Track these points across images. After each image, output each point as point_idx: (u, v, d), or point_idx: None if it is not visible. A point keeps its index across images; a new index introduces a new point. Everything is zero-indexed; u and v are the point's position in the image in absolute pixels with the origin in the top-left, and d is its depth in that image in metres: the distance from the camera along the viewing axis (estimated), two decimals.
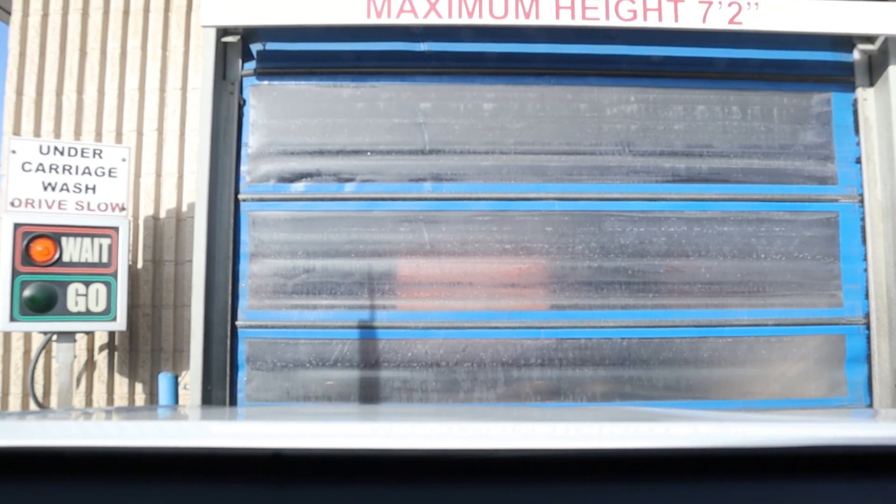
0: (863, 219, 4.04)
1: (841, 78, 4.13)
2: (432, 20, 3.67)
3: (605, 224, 3.90)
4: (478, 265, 3.86)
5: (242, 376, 3.78)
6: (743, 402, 3.88)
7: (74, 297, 3.50)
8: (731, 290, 3.93)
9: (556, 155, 3.94)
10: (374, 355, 3.78)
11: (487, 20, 3.67)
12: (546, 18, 3.67)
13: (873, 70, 4.13)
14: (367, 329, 3.78)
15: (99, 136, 4.23)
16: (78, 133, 4.25)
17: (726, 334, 3.90)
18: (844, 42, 4.07)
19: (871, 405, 3.95)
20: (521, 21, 3.67)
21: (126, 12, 4.39)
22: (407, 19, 3.68)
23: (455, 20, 3.67)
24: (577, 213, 3.89)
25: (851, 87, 4.14)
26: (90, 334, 3.99)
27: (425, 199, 3.88)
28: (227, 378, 3.74)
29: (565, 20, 3.67)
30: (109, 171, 3.66)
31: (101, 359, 4.03)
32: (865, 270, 4.02)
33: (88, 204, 3.61)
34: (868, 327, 3.99)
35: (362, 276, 3.84)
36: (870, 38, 4.02)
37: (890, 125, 3.99)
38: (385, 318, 3.79)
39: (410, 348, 3.78)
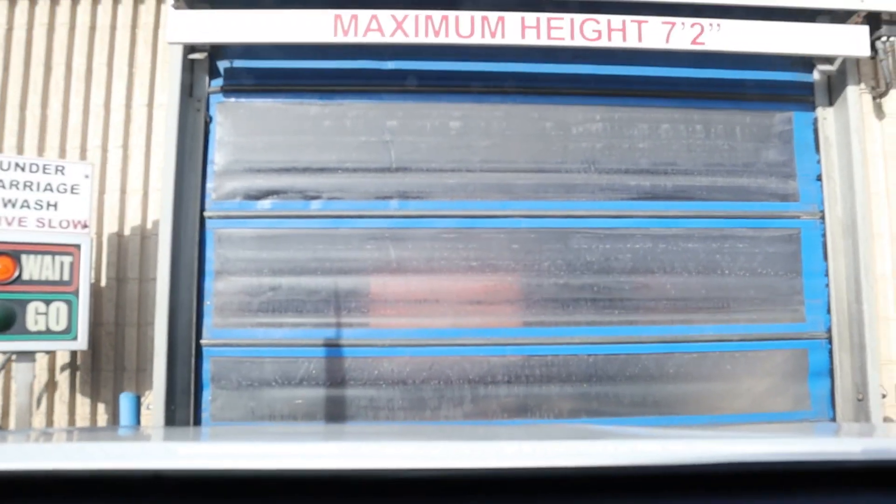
0: (824, 235, 4.11)
1: (801, 97, 4.22)
2: (399, 39, 3.69)
3: (571, 241, 3.92)
4: (444, 282, 3.86)
5: (207, 396, 3.74)
6: (709, 416, 3.91)
7: (34, 315, 3.44)
8: (696, 306, 3.97)
9: (522, 173, 3.97)
10: (341, 373, 3.76)
11: (454, 39, 3.70)
12: (512, 38, 3.71)
13: (832, 90, 4.22)
14: (333, 347, 3.76)
15: (63, 151, 4.18)
16: (41, 148, 4.20)
17: (692, 350, 3.94)
18: (805, 63, 4.16)
19: (833, 419, 3.99)
20: (487, 40, 3.70)
21: (93, 28, 4.35)
22: (373, 38, 3.69)
23: (421, 39, 3.69)
24: (543, 230, 3.92)
25: (812, 107, 4.22)
26: (51, 354, 3.92)
27: (392, 217, 3.89)
28: (192, 397, 3.69)
29: (531, 40, 3.71)
30: (72, 188, 3.62)
31: (63, 378, 3.96)
32: (827, 286, 4.08)
33: (50, 221, 3.56)
34: (830, 342, 4.05)
35: (329, 294, 3.82)
36: (829, 59, 4.10)
37: (849, 144, 4.07)
38: (351, 336, 3.78)
39: (377, 366, 3.77)
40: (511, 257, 3.89)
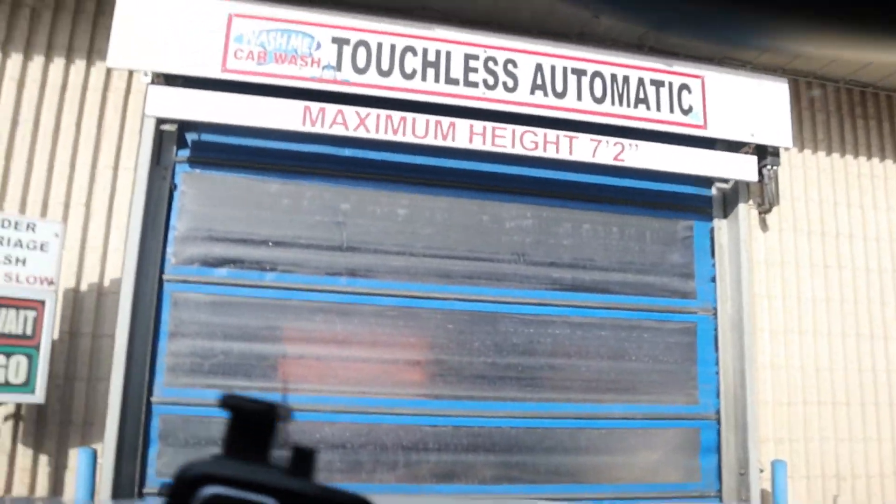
0: (716, 329, 4.73)
1: (702, 209, 4.89)
2: (361, 134, 4.12)
3: (499, 324, 4.39)
4: (385, 355, 4.24)
5: (154, 452, 3.93)
6: (614, 486, 4.39)
7: None
8: (605, 387, 4.48)
9: (459, 259, 4.43)
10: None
11: (409, 138, 4.15)
12: (461, 142, 4.20)
13: (727, 205, 4.91)
14: None
15: (24, 205, 4.34)
16: (2, 199, 4.34)
17: (601, 426, 4.44)
18: (705, 181, 4.83)
19: (720, 490, 4.55)
20: (439, 142, 4.18)
21: (64, 87, 4.55)
22: (338, 131, 4.10)
23: (381, 136, 4.13)
24: (475, 312, 4.37)
25: (710, 218, 4.90)
26: None
27: (340, 293, 4.25)
28: (139, 453, 3.88)
29: (477, 145, 4.22)
30: (41, 246, 3.81)
31: (6, 428, 4.05)
32: (717, 373, 4.68)
33: (17, 276, 3.73)
34: (719, 422, 4.64)
35: (277, 361, 4.12)
36: (725, 180, 4.80)
37: (738, 251, 4.75)
38: (296, 401, 4.07)
39: (318, 430, 4.07)
40: (446, 336, 4.31)
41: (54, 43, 4.61)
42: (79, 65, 4.61)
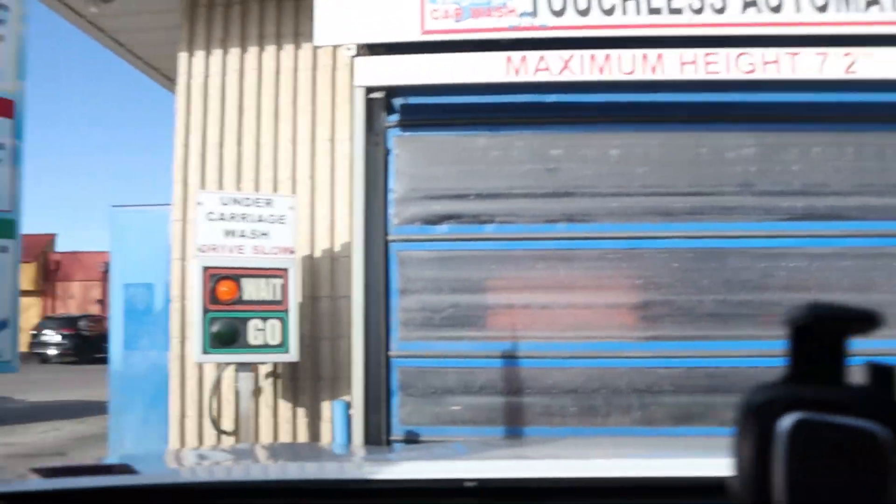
0: None
1: None
2: (566, 77, 4.04)
3: (728, 260, 4.17)
4: (610, 299, 4.18)
5: (396, 402, 4.17)
6: None
7: (254, 331, 3.97)
8: None
9: (679, 196, 4.24)
10: (517, 383, 4.13)
11: (617, 76, 4.02)
12: (671, 73, 4.00)
13: None
14: (509, 359, 4.13)
15: (257, 184, 4.73)
16: (239, 181, 4.76)
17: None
18: None
19: None
20: (648, 76, 4.01)
21: (277, 72, 4.89)
22: (543, 77, 4.05)
23: (587, 76, 4.03)
24: (701, 249, 4.18)
25: None
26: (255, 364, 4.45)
27: (559, 239, 4.23)
28: (383, 404, 4.13)
29: (688, 74, 3.99)
30: (280, 219, 4.14)
31: (267, 385, 4.49)
32: None
33: (263, 248, 4.08)
34: None
35: (503, 310, 4.20)
36: None
37: None
38: (525, 349, 4.14)
39: (550, 376, 4.12)
40: (671, 276, 4.16)
41: (264, 33, 4.95)
42: (288, 49, 4.92)
